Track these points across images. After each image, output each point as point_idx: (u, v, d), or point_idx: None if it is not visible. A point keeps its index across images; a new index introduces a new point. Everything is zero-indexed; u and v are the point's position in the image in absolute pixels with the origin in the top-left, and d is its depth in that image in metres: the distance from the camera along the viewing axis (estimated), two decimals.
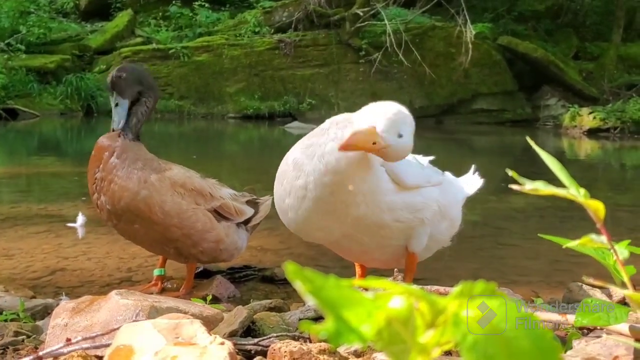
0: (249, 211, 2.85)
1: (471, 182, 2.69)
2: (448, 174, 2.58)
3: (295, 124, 14.11)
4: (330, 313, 0.48)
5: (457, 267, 3.27)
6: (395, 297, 0.51)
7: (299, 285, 0.49)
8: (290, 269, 0.50)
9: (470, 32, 15.79)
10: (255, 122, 15.62)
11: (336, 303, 0.49)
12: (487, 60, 17.19)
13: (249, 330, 1.78)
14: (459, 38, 16.30)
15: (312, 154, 2.12)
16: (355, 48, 16.94)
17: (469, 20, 15.85)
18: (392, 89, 16.96)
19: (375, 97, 16.84)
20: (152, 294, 2.36)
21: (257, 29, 17.01)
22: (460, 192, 2.58)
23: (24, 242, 3.51)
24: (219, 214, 2.70)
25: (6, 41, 14.72)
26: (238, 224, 2.79)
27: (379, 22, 16.68)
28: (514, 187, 0.77)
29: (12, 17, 15.22)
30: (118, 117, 2.59)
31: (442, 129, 15.62)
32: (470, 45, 15.79)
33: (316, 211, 2.10)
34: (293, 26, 16.98)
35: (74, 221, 3.88)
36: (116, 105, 2.60)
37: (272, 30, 17.08)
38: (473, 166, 2.80)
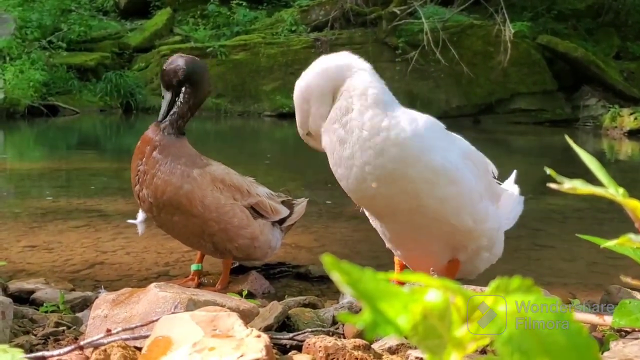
0: (284, 211, 2.87)
1: (512, 194, 2.69)
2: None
3: None
4: (367, 304, 0.49)
5: (493, 268, 3.24)
6: (431, 291, 0.52)
7: (336, 277, 0.50)
8: (327, 261, 0.51)
9: (509, 30, 15.60)
10: (290, 120, 15.65)
11: (373, 295, 0.50)
12: (526, 60, 16.97)
13: (284, 325, 1.80)
14: (497, 37, 16.13)
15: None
16: (391, 46, 16.88)
17: (507, 19, 15.66)
18: (428, 87, 16.87)
19: (412, 95, 16.85)
20: (188, 288, 2.40)
21: (293, 28, 17.06)
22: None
23: (63, 236, 3.58)
24: (255, 211, 2.73)
25: (48, 39, 15.02)
26: (273, 224, 2.82)
27: (416, 21, 16.60)
28: (552, 185, 0.77)
29: (54, 15, 15.53)
30: (161, 109, 2.67)
31: (480, 129, 15.46)
32: (509, 44, 15.61)
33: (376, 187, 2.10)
34: (329, 25, 16.99)
35: (134, 217, 3.96)
36: (162, 97, 2.68)
37: (309, 29, 17.12)
38: (514, 172, 2.76)
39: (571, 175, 0.77)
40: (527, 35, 17.06)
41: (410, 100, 16.89)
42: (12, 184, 5.94)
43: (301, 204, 3.03)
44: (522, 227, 4.27)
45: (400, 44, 16.76)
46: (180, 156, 2.58)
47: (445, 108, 16.93)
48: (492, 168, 2.43)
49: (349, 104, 2.08)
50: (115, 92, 14.89)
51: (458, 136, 2.39)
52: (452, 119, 16.95)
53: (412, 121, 2.12)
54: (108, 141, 10.70)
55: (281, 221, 2.89)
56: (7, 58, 13.63)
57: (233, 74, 16.13)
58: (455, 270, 2.38)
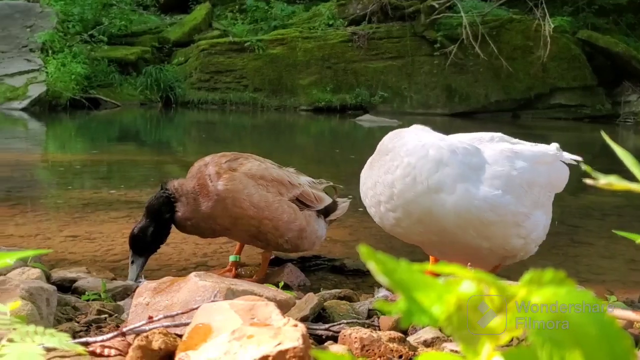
0: (327, 198, 2.85)
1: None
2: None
3: (367, 116, 14.11)
4: (402, 294, 0.51)
5: (530, 264, 3.22)
6: (465, 282, 0.53)
7: (372, 266, 0.52)
8: (363, 251, 0.53)
9: (549, 25, 15.37)
10: (326, 114, 15.70)
11: (408, 285, 0.51)
12: (566, 54, 16.70)
13: (319, 317, 1.82)
14: (537, 31, 15.91)
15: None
16: (430, 40, 16.77)
17: (547, 14, 15.43)
18: (467, 82, 16.72)
19: (450, 90, 16.71)
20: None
21: (331, 22, 17.07)
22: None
23: (105, 226, 3.65)
24: (300, 202, 2.72)
25: (89, 32, 15.29)
26: (317, 214, 2.82)
27: (454, 14, 16.46)
28: (588, 181, 0.77)
29: (95, 9, 15.80)
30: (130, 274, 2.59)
31: (519, 124, 15.27)
32: (548, 39, 15.38)
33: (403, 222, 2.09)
34: (367, 18, 16.95)
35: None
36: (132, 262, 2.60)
37: (346, 23, 17.11)
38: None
39: (610, 172, 0.78)
40: (567, 30, 16.78)
41: (449, 94, 16.77)
42: (55, 175, 6.09)
43: (346, 202, 3.04)
44: (560, 223, 4.23)
45: (438, 37, 16.64)
46: (196, 199, 2.55)
47: (484, 103, 16.76)
48: (550, 151, 2.33)
49: None
50: (155, 86, 15.09)
51: (489, 149, 2.25)
52: (491, 114, 16.78)
53: (439, 163, 2.03)
54: (148, 134, 10.86)
55: (325, 214, 2.90)
56: (50, 51, 13.91)
57: (270, 68, 16.21)
58: (496, 270, 2.37)
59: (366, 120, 13.70)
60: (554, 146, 2.47)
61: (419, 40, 16.87)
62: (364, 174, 2.30)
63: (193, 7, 17.97)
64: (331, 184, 3.03)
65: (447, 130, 2.87)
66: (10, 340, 0.87)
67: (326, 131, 13.12)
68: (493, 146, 2.23)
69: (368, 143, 2.84)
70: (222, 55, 16.19)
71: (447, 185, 1.99)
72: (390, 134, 2.25)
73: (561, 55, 16.58)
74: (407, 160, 2.03)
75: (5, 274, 1.66)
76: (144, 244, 2.56)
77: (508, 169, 2.14)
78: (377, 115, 14.30)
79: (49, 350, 1.05)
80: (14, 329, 0.91)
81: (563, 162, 2.46)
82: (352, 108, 16.06)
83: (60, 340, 0.90)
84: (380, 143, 2.25)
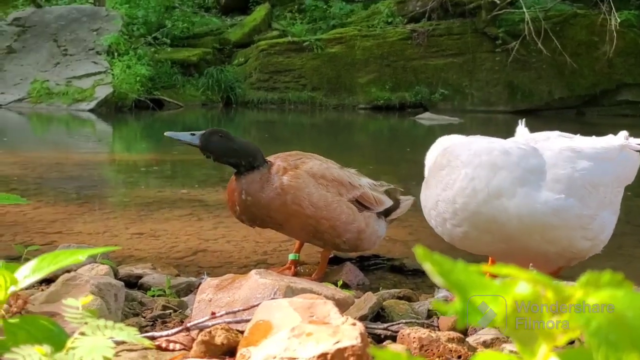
0: (388, 201, 2.83)
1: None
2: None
3: (427, 114, 13.98)
4: (459, 294, 0.52)
5: (594, 265, 3.14)
6: (522, 283, 0.54)
7: (428, 267, 0.53)
8: (419, 252, 0.54)
9: (615, 20, 14.89)
10: (385, 113, 15.64)
11: (464, 285, 0.52)
12: (632, 50, 16.15)
13: (378, 316, 1.83)
14: (602, 26, 15.44)
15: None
16: (491, 37, 16.50)
17: (613, 8, 14.95)
18: (530, 78, 16.38)
19: (512, 86, 16.39)
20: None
21: (389, 20, 17.00)
22: None
23: (169, 224, 3.75)
24: (360, 204, 2.71)
25: (153, 35, 15.67)
26: (378, 214, 2.82)
27: (516, 10, 16.15)
28: None
29: (159, 11, 16.19)
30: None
31: (584, 121, 14.86)
32: (614, 34, 14.90)
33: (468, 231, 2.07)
34: (427, 15, 16.80)
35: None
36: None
37: (405, 20, 17.01)
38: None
39: None
40: (635, 25, 16.22)
41: (511, 91, 16.46)
42: (121, 174, 6.27)
43: (408, 201, 3.02)
44: (626, 223, 4.10)
45: (500, 34, 16.36)
46: (262, 184, 2.56)
47: (548, 100, 16.38)
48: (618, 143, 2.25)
49: None
50: (216, 87, 15.35)
51: (547, 149, 2.17)
52: (555, 111, 16.38)
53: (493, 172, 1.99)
54: None
55: (386, 213, 2.89)
56: (115, 54, 14.32)
57: (328, 67, 16.26)
58: (560, 271, 2.32)
59: (426, 118, 13.58)
60: (622, 135, 2.37)
61: (480, 37, 16.61)
62: (423, 195, 2.27)
63: (253, 8, 18.18)
64: (392, 186, 3.01)
65: (509, 128, 2.82)
66: (82, 334, 0.92)
67: (385, 130, 13.07)
68: (551, 145, 2.13)
69: (428, 141, 2.81)
70: (281, 55, 16.34)
71: (506, 190, 1.95)
72: (440, 150, 2.22)
73: (628, 51, 16.05)
74: (464, 172, 2.00)
75: (75, 270, 1.73)
76: (217, 143, 2.58)
77: (570, 171, 2.06)
78: (437, 113, 14.15)
79: (117, 343, 1.09)
80: (86, 322, 0.95)
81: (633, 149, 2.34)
82: (412, 106, 15.96)
83: (129, 334, 0.94)
84: (428, 160, 2.24)
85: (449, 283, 0.53)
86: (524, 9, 15.50)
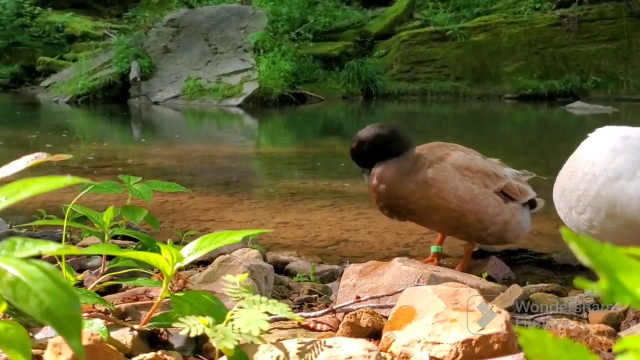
0: (532, 191, 2.73)
1: None
2: None
3: (578, 104, 13.27)
4: (605, 274, 0.51)
5: None
6: None
7: (574, 247, 0.52)
8: (566, 233, 0.53)
9: None
10: (533, 102, 15.03)
11: (611, 266, 0.51)
12: None
13: (524, 309, 1.78)
14: None
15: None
16: None
17: None
18: None
19: None
20: None
21: (537, 5, 16.32)
22: None
23: (311, 214, 3.86)
24: (505, 195, 2.63)
25: (296, 31, 16.09)
26: (523, 205, 2.73)
27: None
28: None
29: (302, 7, 16.59)
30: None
31: None
32: None
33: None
34: (577, 0, 15.94)
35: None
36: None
37: (554, 6, 16.24)
38: None
39: None
40: None
41: None
42: (266, 166, 6.53)
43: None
44: None
45: None
46: (403, 172, 2.52)
47: None
48: None
49: None
50: (357, 79, 15.48)
51: None
52: None
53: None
54: (350, 126, 11.19)
55: (532, 204, 2.80)
56: (261, 51, 14.86)
57: (472, 56, 15.89)
58: None
59: (577, 107, 12.90)
60: None
61: (636, 21, 15.52)
62: (554, 188, 2.24)
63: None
64: (534, 175, 2.90)
65: None
66: (240, 307, 0.99)
67: (533, 120, 12.56)
68: None
69: (579, 132, 2.67)
70: (423, 45, 16.18)
71: (625, 172, 1.91)
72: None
73: None
74: (586, 159, 1.99)
75: (230, 253, 1.85)
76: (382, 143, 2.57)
77: None
78: (590, 102, 13.39)
79: (268, 322, 1.16)
80: (243, 297, 1.02)
81: None
82: (561, 95, 15.21)
83: (282, 309, 0.99)
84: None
85: (596, 263, 0.52)
86: None
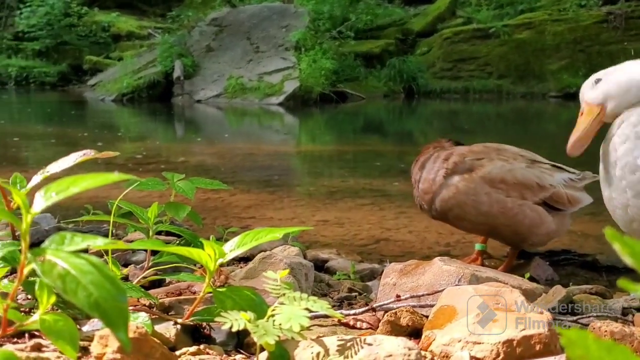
0: (586, 199, 2.59)
1: None
2: None
3: None
4: None
5: None
6: None
7: (618, 247, 0.52)
8: (609, 233, 0.53)
9: None
10: (578, 101, 14.72)
11: None
12: None
13: (567, 311, 1.76)
14: None
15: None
16: None
17: None
18: None
19: None
20: None
21: (583, 2, 16.00)
22: None
23: (352, 213, 3.86)
24: (548, 205, 2.53)
25: (338, 29, 16.08)
26: None
27: None
28: None
29: (343, 6, 16.59)
30: None
31: None
32: None
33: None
34: None
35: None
36: None
37: (600, 3, 15.90)
38: None
39: None
40: None
41: None
42: (307, 164, 6.55)
43: None
44: None
45: None
46: (439, 168, 2.54)
47: None
48: None
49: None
50: (398, 77, 15.41)
51: None
52: None
53: None
54: (391, 125, 11.16)
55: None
56: (302, 49, 14.90)
57: (516, 54, 15.66)
58: None
59: None
60: None
61: None
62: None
63: None
64: (597, 177, 2.82)
65: None
66: (281, 303, 1.00)
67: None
68: None
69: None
70: (465, 42, 16.02)
71: None
72: None
73: None
74: (619, 152, 1.93)
75: (270, 250, 1.86)
76: None
77: None
78: None
79: (309, 319, 1.17)
80: (284, 294, 1.04)
81: None
82: None
83: (322, 306, 1.00)
84: None
85: (639, 263, 0.51)
86: None
